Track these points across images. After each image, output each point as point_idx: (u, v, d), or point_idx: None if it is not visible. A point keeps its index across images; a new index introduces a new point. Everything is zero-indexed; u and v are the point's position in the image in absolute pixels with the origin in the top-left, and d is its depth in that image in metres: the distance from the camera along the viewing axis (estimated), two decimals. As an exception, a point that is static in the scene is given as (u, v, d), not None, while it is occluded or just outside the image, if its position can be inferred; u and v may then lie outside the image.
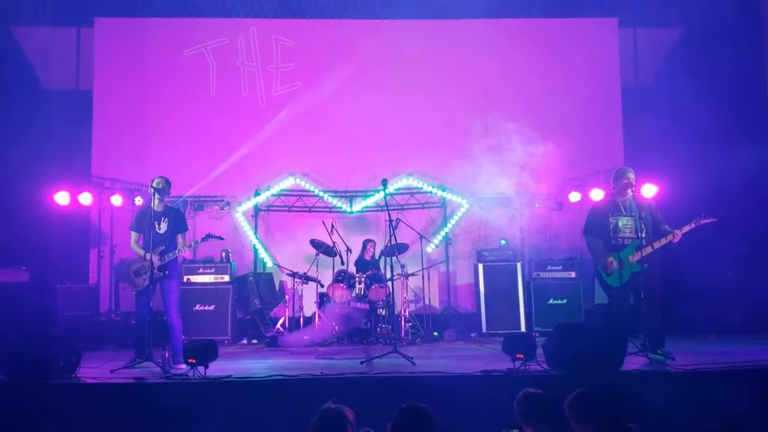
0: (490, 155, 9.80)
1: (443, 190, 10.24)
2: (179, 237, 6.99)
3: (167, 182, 6.96)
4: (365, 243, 9.72)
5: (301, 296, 9.29)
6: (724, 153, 8.92)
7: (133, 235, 7.04)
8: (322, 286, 9.45)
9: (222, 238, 7.63)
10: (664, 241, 6.59)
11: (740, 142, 8.93)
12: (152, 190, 6.88)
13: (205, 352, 5.94)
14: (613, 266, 6.65)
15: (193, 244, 7.35)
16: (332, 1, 10.65)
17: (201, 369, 5.85)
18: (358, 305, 9.05)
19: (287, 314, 9.26)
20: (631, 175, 6.81)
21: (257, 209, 10.31)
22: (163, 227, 6.93)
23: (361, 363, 6.72)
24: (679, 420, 5.09)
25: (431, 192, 10.28)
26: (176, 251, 6.91)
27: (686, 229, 6.54)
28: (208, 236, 7.21)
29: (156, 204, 6.91)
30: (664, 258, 6.88)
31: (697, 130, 9.29)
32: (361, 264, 9.56)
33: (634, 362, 6.11)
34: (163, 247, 6.84)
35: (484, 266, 9.58)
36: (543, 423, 4.02)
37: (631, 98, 10.60)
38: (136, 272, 6.94)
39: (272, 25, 10.72)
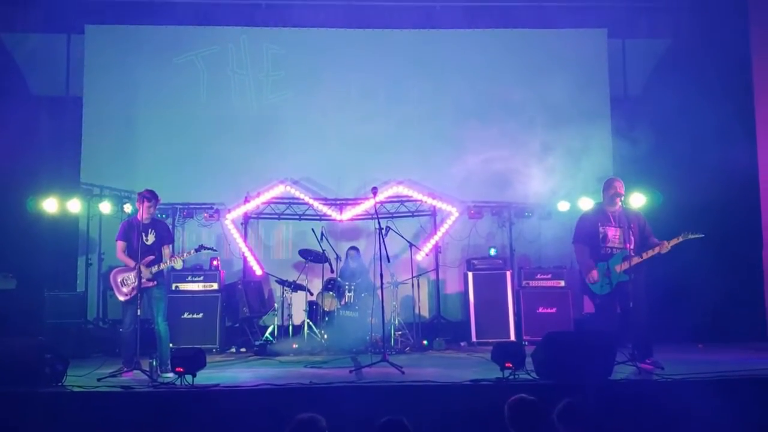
0: (480, 164, 9.85)
1: (433, 199, 10.24)
2: (165, 249, 7.00)
3: (155, 196, 6.97)
4: (347, 251, 9.74)
5: (290, 304, 9.26)
6: (713, 163, 8.97)
7: (120, 244, 7.02)
8: (312, 294, 9.43)
9: (215, 250, 7.65)
10: (651, 252, 6.64)
11: (728, 153, 8.99)
12: (141, 202, 6.88)
13: (193, 361, 5.92)
14: (595, 278, 6.71)
15: (185, 255, 7.35)
16: (323, 9, 10.66)
17: (189, 377, 5.82)
18: (348, 313, 9.02)
19: (276, 322, 9.22)
20: (619, 185, 6.87)
21: (247, 217, 10.28)
22: (150, 238, 6.94)
23: (350, 372, 6.72)
24: (668, 429, 5.10)
25: (421, 200, 10.29)
26: (164, 263, 6.91)
27: (674, 242, 6.59)
28: (201, 248, 7.22)
29: (144, 216, 6.90)
30: (652, 267, 6.92)
31: (685, 140, 9.34)
32: (345, 272, 9.55)
33: (622, 371, 6.13)
34: (153, 257, 6.84)
35: (473, 275, 9.59)
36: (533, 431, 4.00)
37: (620, 108, 10.65)
38: (123, 281, 6.92)
39: (263, 33, 10.71)
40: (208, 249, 7.37)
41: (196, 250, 7.23)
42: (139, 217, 6.97)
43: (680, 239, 6.57)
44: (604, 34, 10.79)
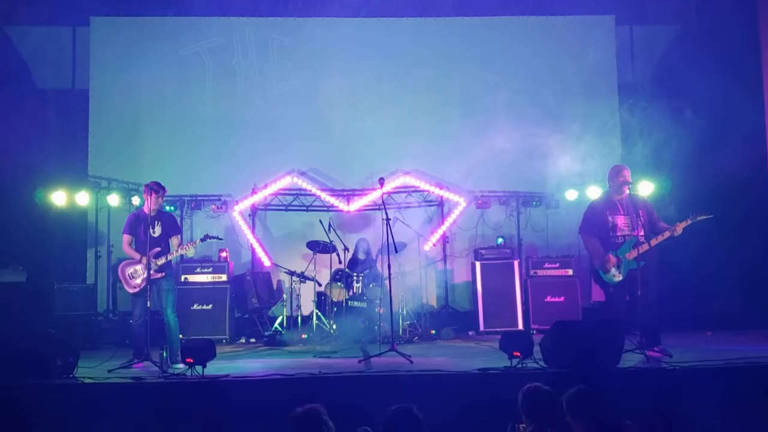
0: (487, 153, 9.81)
1: (440, 189, 10.23)
2: (174, 239, 7.02)
3: (161, 187, 6.98)
4: (357, 243, 9.72)
5: (298, 295, 9.29)
6: (721, 150, 8.93)
7: (126, 238, 7.04)
8: (320, 285, 9.45)
9: (220, 239, 7.65)
10: (661, 238, 6.63)
11: (737, 139, 8.95)
12: (148, 194, 6.90)
13: (203, 352, 5.96)
14: (611, 264, 6.68)
15: (190, 246, 7.35)
16: (328, -1, 10.64)
17: (199, 368, 5.86)
18: (356, 304, 9.05)
19: (285, 313, 9.26)
20: (627, 173, 6.86)
21: (255, 208, 10.30)
22: (157, 231, 6.95)
23: (359, 362, 6.74)
24: (676, 417, 5.10)
25: (428, 190, 10.27)
26: (171, 254, 6.93)
27: (683, 225, 6.56)
28: (207, 237, 7.23)
29: (150, 208, 6.91)
30: (660, 255, 6.90)
31: (694, 126, 9.30)
32: (354, 263, 9.56)
33: (630, 359, 6.13)
34: (159, 249, 6.86)
35: (481, 264, 9.59)
36: (544, 422, 4.00)
37: (628, 95, 10.59)
38: (132, 274, 6.95)
39: (268, 24, 10.69)
40: (213, 238, 7.38)
41: (202, 240, 7.25)
42: (146, 209, 6.99)
43: (689, 221, 6.55)
44: (612, 21, 10.72)
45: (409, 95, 10.55)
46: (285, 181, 10.28)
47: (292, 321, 9.21)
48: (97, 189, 9.90)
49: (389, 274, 7.42)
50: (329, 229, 9.42)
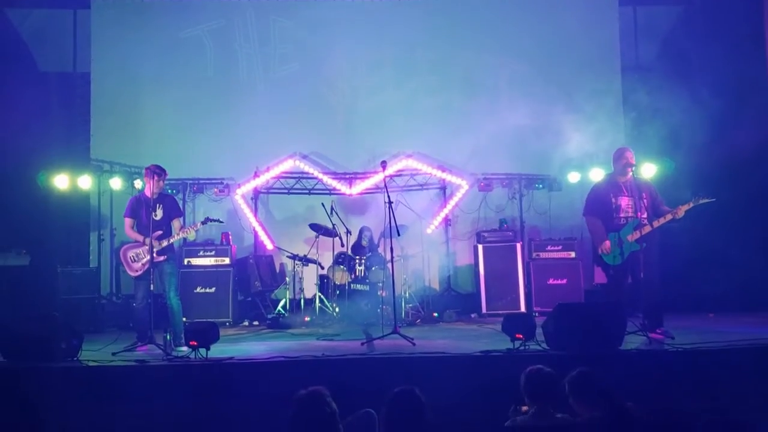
0: (490, 135, 9.77)
1: (443, 172, 10.20)
2: (176, 222, 7.02)
3: (163, 170, 6.97)
4: (361, 230, 9.69)
5: (301, 278, 9.31)
6: (726, 132, 8.88)
7: (128, 221, 7.03)
8: (323, 268, 9.47)
9: (221, 221, 7.65)
10: (663, 220, 6.62)
11: (742, 121, 8.90)
12: (150, 177, 6.89)
13: (207, 334, 5.98)
14: (608, 248, 6.70)
15: (191, 229, 7.33)
16: (330, -20, 10.55)
17: (203, 351, 5.88)
18: (359, 287, 9.07)
19: (288, 296, 9.28)
20: (630, 155, 6.84)
21: (257, 191, 10.29)
22: (159, 213, 6.94)
23: (362, 344, 6.76)
24: (678, 399, 5.12)
25: (431, 173, 10.25)
26: (174, 236, 6.94)
27: (685, 207, 6.56)
28: (207, 220, 7.23)
29: (152, 191, 6.90)
30: (663, 237, 6.89)
31: (698, 108, 9.25)
32: (357, 250, 9.56)
33: (633, 341, 6.14)
34: (161, 232, 6.86)
35: (483, 247, 9.59)
36: (547, 404, 4.02)
37: (631, 77, 10.52)
38: (134, 258, 6.95)
39: (269, 6, 10.61)
40: (214, 221, 7.38)
41: (203, 223, 7.24)
42: (147, 193, 6.97)
43: (691, 204, 6.54)
44: (615, 1, 10.63)
45: (411, 77, 10.46)
46: (287, 165, 10.26)
47: (295, 304, 9.24)
48: (100, 172, 9.92)
49: (392, 257, 7.43)
50: (331, 213, 9.42)
